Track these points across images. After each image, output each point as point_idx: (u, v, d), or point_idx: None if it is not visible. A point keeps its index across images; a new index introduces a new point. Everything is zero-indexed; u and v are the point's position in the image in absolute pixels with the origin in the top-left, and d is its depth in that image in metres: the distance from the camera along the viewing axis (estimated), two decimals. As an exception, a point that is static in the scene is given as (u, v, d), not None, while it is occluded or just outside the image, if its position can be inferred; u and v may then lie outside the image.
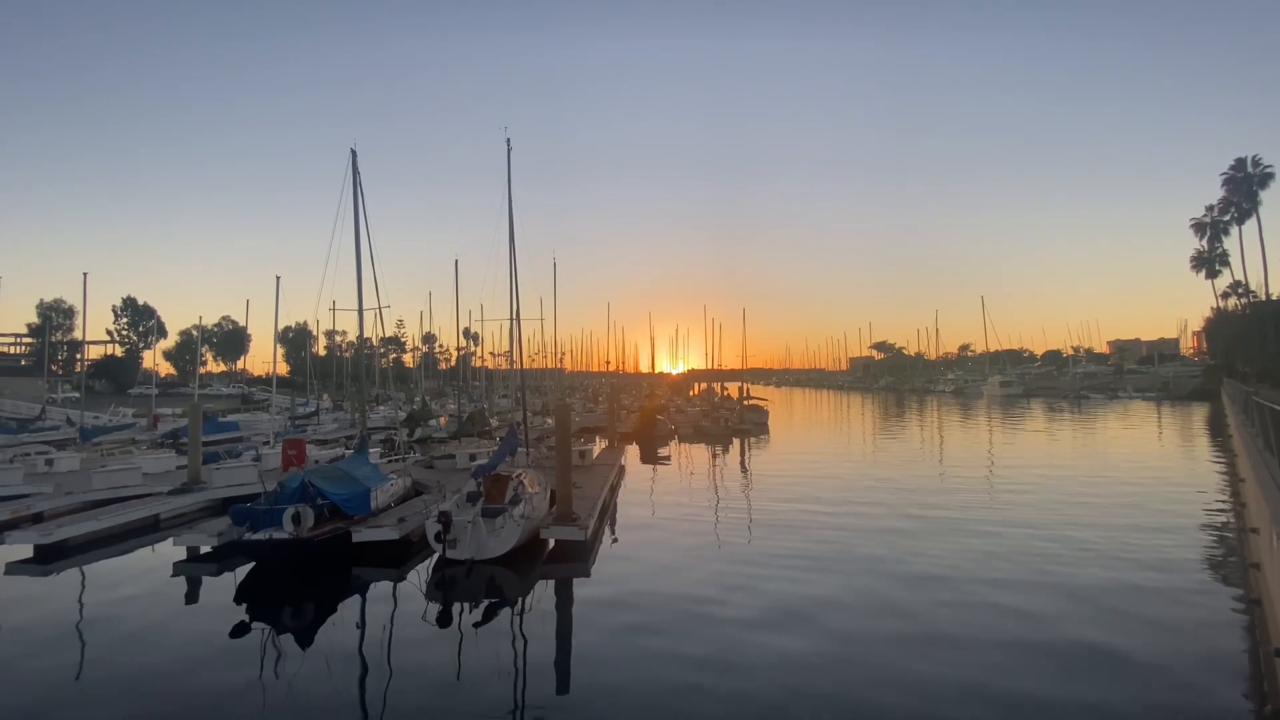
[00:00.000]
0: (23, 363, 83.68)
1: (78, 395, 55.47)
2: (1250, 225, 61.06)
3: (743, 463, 30.58)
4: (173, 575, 13.62)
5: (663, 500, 21.41)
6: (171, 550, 14.72)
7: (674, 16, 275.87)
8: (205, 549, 14.60)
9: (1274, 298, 59.22)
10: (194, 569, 13.98)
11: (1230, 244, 63.87)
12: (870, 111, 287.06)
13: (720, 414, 47.56)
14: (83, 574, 13.83)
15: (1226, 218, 62.91)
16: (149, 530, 17.02)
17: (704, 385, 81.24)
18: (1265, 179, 59.51)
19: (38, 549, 14.82)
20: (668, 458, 32.28)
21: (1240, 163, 60.58)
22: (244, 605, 11.77)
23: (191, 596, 12.62)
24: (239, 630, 10.56)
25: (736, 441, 38.41)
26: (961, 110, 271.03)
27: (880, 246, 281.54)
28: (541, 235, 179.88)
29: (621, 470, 25.23)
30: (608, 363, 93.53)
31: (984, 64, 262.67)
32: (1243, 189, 60.36)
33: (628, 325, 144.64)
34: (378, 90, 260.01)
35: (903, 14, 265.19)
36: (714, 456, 32.68)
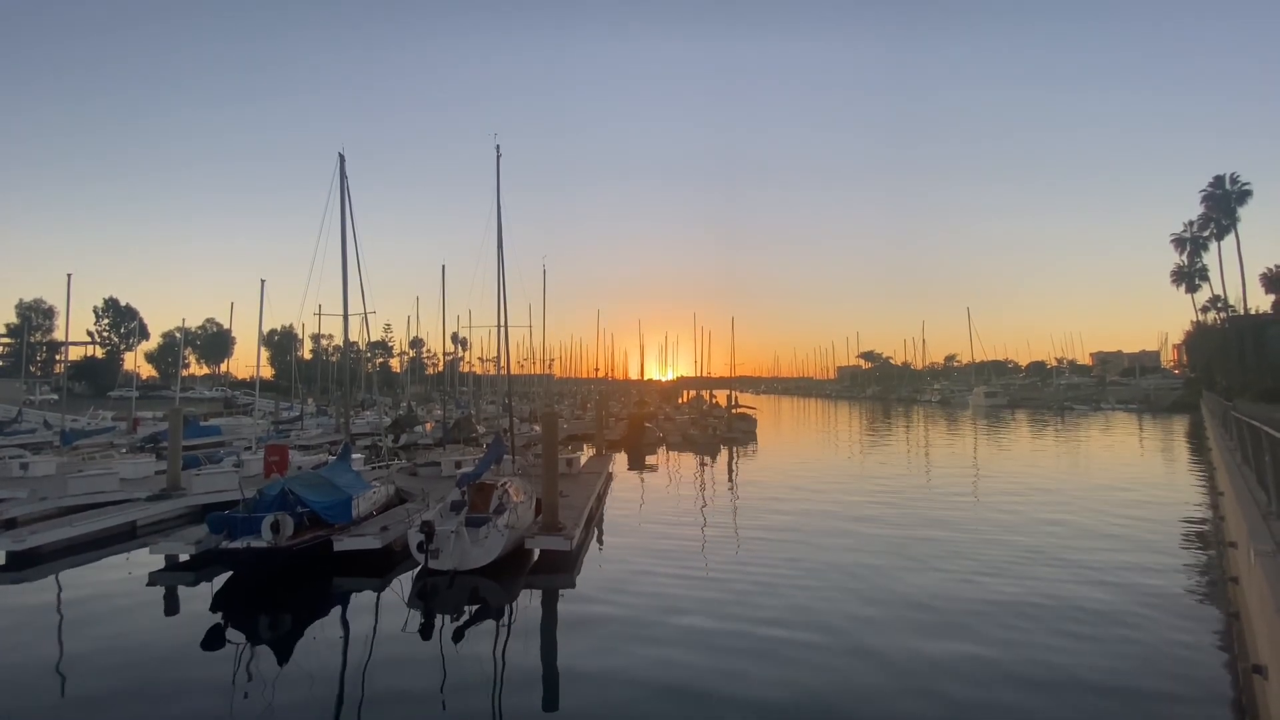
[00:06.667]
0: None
1: (55, 397, 54.65)
2: (1229, 241, 62.31)
3: (730, 472, 30.60)
4: (149, 584, 13.37)
5: (650, 510, 21.33)
6: (148, 558, 14.47)
7: (664, 22, 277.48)
8: (183, 557, 14.35)
9: (1252, 312, 60.40)
10: (171, 578, 13.73)
11: (1209, 259, 65.16)
12: (859, 122, 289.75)
13: (709, 422, 47.62)
14: (56, 582, 13.56)
15: (1206, 233, 64.10)
16: (125, 538, 16.69)
17: (693, 393, 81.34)
18: (1244, 196, 60.72)
19: (10, 556, 14.50)
20: (655, 466, 32.24)
21: (1219, 180, 61.82)
22: (221, 615, 11.58)
23: (168, 606, 12.38)
24: (215, 641, 10.39)
25: (725, 450, 38.44)
26: (950, 122, 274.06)
27: (868, 257, 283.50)
28: (531, 240, 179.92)
29: (609, 479, 25.13)
30: (596, 369, 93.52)
31: (972, 77, 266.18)
32: (1222, 205, 61.53)
33: (617, 332, 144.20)
34: (367, 92, 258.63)
35: (890, 25, 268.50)
36: (702, 465, 32.68)
